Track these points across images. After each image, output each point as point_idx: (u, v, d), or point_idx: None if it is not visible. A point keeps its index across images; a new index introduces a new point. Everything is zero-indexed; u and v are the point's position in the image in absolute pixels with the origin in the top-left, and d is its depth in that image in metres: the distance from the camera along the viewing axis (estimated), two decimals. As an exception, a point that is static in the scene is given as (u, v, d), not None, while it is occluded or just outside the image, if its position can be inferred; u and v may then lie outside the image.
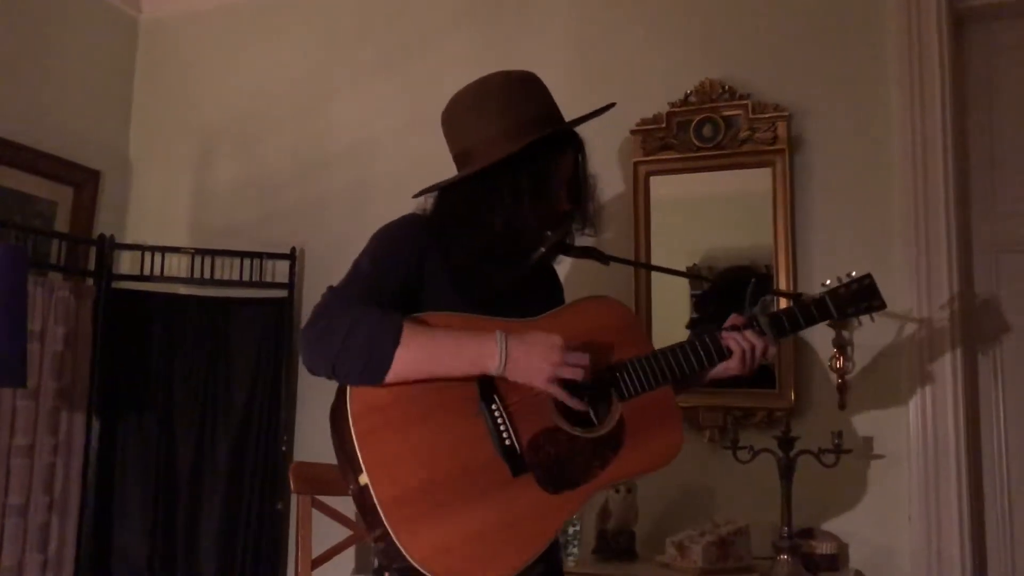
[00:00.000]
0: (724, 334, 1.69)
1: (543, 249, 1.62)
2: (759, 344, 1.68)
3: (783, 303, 2.43)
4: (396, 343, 1.41)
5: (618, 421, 1.59)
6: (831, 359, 2.52)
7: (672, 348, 1.66)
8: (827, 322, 1.80)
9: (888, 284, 2.51)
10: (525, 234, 1.60)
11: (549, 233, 1.61)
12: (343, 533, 2.59)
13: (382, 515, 1.39)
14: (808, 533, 2.42)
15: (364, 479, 1.41)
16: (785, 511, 2.29)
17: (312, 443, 3.14)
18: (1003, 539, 2.55)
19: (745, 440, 2.42)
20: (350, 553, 2.80)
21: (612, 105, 1.73)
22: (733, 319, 1.72)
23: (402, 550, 1.39)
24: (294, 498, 2.75)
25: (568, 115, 1.71)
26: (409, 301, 1.53)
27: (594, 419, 1.59)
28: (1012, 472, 2.56)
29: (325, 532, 2.57)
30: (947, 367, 2.46)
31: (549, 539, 1.49)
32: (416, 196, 1.69)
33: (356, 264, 1.57)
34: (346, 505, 2.85)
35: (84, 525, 2.96)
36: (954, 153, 2.55)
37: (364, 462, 1.41)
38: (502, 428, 1.49)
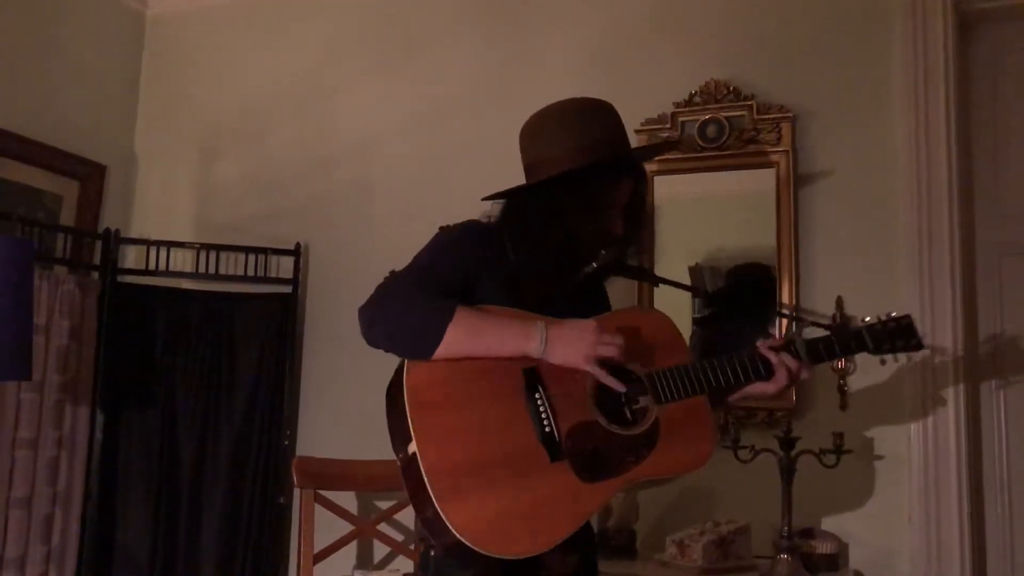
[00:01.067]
0: (762, 352, 1.74)
1: (595, 264, 1.72)
2: (794, 367, 1.73)
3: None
4: (450, 319, 1.53)
5: (653, 423, 1.66)
6: (832, 360, 2.53)
7: (711, 360, 1.72)
8: (872, 355, 1.81)
9: (891, 286, 2.54)
10: (580, 248, 1.70)
11: (604, 252, 1.72)
12: (345, 528, 2.60)
13: (427, 482, 1.49)
14: (808, 533, 2.43)
15: (413, 447, 1.51)
16: (785, 511, 2.30)
17: (315, 438, 3.16)
18: (1003, 540, 2.56)
19: (746, 440, 2.42)
20: (352, 547, 2.82)
21: (675, 145, 1.83)
22: (771, 340, 1.78)
23: (442, 516, 1.48)
24: (296, 492, 2.76)
25: (626, 134, 1.79)
26: (460, 298, 1.62)
27: (629, 416, 1.67)
28: (1012, 473, 2.57)
29: (327, 526, 2.58)
30: (948, 369, 2.46)
31: (579, 523, 1.58)
32: (486, 199, 1.79)
33: (417, 257, 1.68)
34: (348, 500, 2.87)
35: (87, 517, 2.98)
36: (958, 155, 2.55)
37: (415, 432, 1.51)
38: (543, 416, 1.58)
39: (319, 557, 2.53)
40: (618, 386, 1.62)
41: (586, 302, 1.79)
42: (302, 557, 2.51)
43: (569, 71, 2.98)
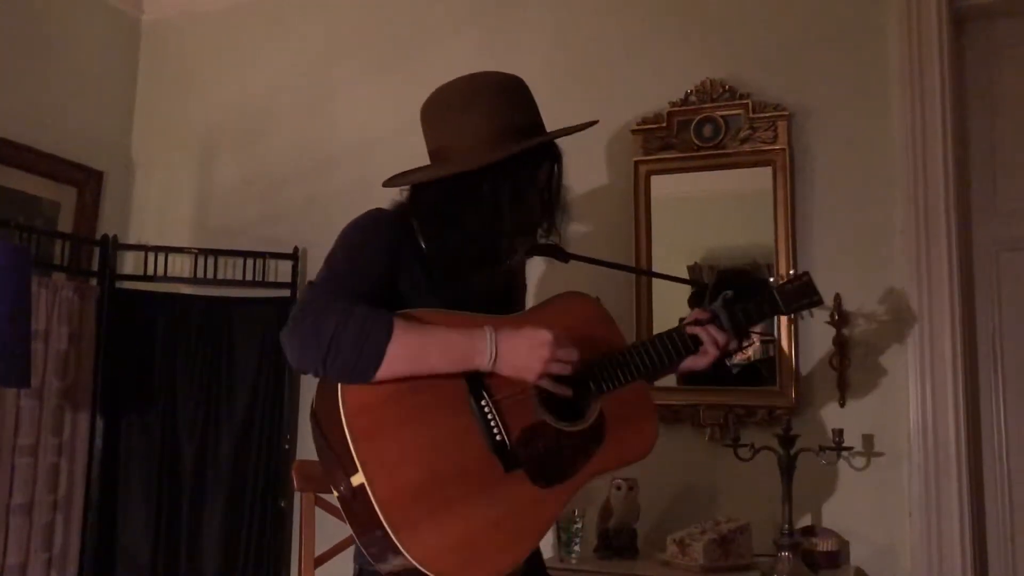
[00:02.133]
0: (689, 328, 1.74)
1: (518, 255, 1.66)
2: (721, 337, 1.73)
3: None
4: (388, 338, 1.40)
5: (598, 415, 1.62)
6: (831, 357, 2.54)
7: (644, 343, 1.71)
8: (784, 315, 1.91)
9: (889, 282, 2.55)
10: (501, 241, 1.62)
11: (523, 239, 1.65)
12: (346, 531, 2.58)
13: (380, 515, 1.36)
14: (809, 530, 2.43)
15: (359, 479, 1.38)
16: (786, 508, 2.30)
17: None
18: (1003, 536, 2.56)
19: (746, 438, 2.42)
20: (352, 551, 2.81)
21: (595, 123, 1.74)
22: (696, 313, 1.77)
23: (402, 550, 1.37)
24: (297, 496, 2.76)
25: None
26: (385, 295, 1.52)
27: (577, 413, 1.62)
28: (1012, 469, 2.57)
29: (328, 530, 2.57)
30: (947, 365, 2.47)
31: (543, 533, 1.52)
32: (387, 185, 1.69)
33: (330, 261, 1.55)
34: (349, 503, 2.87)
35: (88, 524, 2.98)
36: (954, 151, 2.55)
37: (360, 462, 1.38)
38: (492, 424, 1.50)
39: (320, 560, 2.52)
40: (566, 392, 1.56)
41: (507, 288, 1.74)
42: (303, 561, 2.50)
43: (565, 70, 2.98)
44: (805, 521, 2.46)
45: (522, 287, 1.87)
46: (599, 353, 1.66)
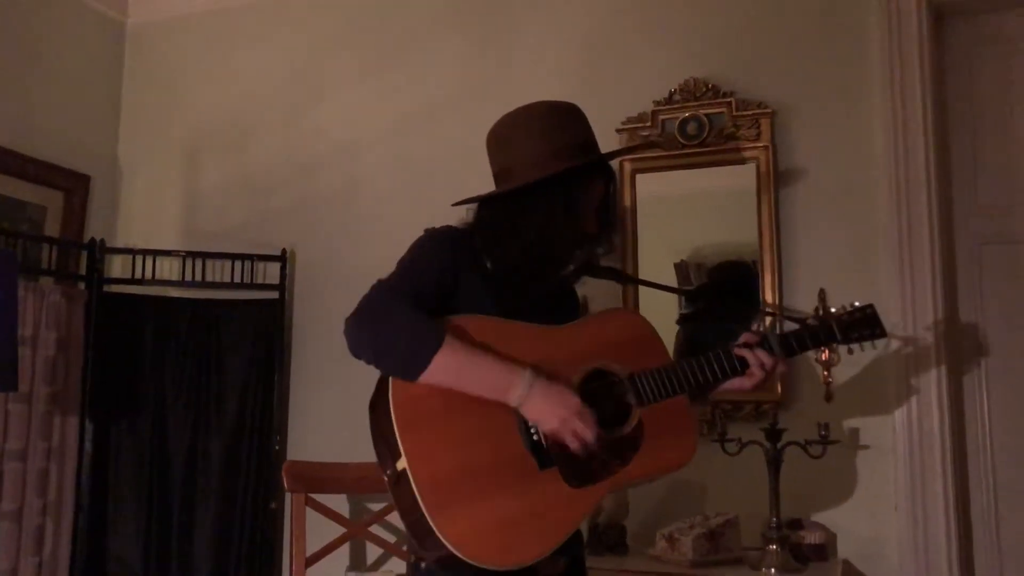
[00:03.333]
0: (737, 350, 1.77)
1: (572, 266, 1.75)
2: (769, 362, 1.76)
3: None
4: (435, 351, 1.52)
5: (637, 424, 1.68)
6: (817, 352, 2.55)
7: (689, 360, 1.75)
8: (840, 345, 1.87)
9: (872, 278, 2.57)
10: (555, 251, 1.71)
11: (578, 252, 1.75)
12: (337, 531, 2.61)
13: (419, 498, 1.48)
14: (797, 524, 2.45)
15: (403, 464, 1.50)
16: (773, 502, 2.32)
17: (305, 442, 3.16)
18: (989, 527, 2.59)
19: (733, 433, 2.44)
20: (344, 550, 2.82)
21: (643, 145, 1.84)
22: (746, 337, 1.80)
23: (436, 532, 1.47)
24: (288, 497, 2.77)
25: (595, 136, 1.80)
26: (444, 303, 1.63)
27: (618, 420, 1.68)
28: (997, 460, 2.60)
29: (319, 530, 2.59)
30: (931, 358, 2.49)
31: (571, 530, 1.60)
32: (455, 205, 1.80)
33: (400, 264, 1.67)
34: (340, 503, 2.88)
35: (78, 528, 2.98)
36: (936, 146, 2.58)
37: (404, 449, 1.50)
38: (531, 424, 1.59)
39: (311, 560, 2.54)
40: (581, 452, 1.60)
41: (561, 305, 1.81)
42: (295, 561, 2.52)
43: (551, 71, 3.00)
44: (792, 514, 2.48)
45: (576, 303, 1.93)
46: (641, 367, 1.71)
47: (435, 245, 1.69)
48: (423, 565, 1.64)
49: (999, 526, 2.58)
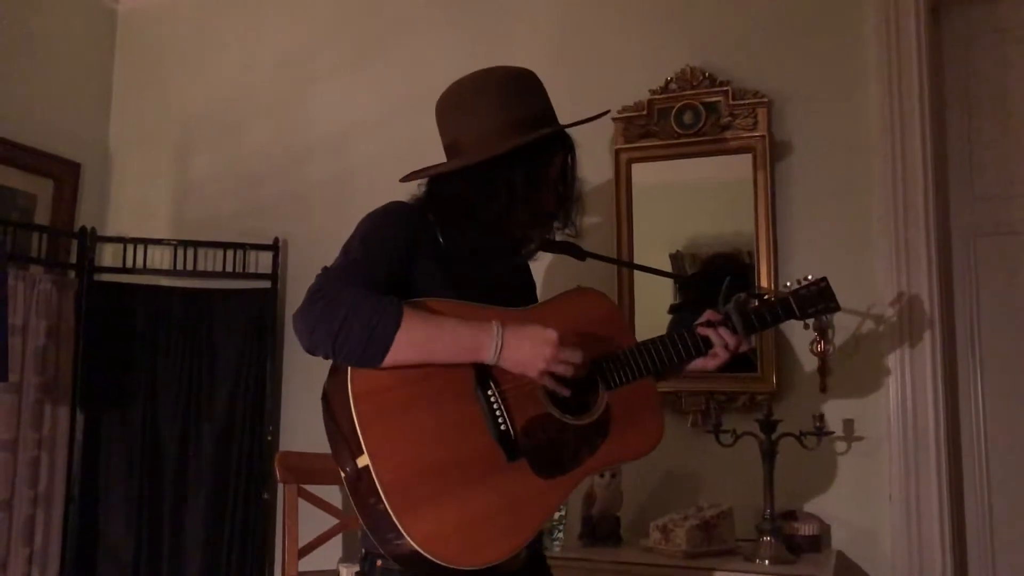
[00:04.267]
0: (700, 329, 1.75)
1: (533, 245, 1.67)
2: (732, 340, 1.74)
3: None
4: (397, 326, 1.43)
5: (604, 409, 1.63)
6: (812, 343, 2.55)
7: (654, 341, 1.72)
8: (798, 320, 1.86)
9: (868, 268, 2.56)
10: (515, 229, 1.64)
11: (538, 230, 1.67)
12: (330, 522, 2.59)
13: (383, 497, 1.39)
14: (791, 515, 2.45)
15: (364, 461, 1.41)
16: (768, 493, 2.31)
17: (297, 432, 3.15)
18: (982, 517, 2.59)
19: (728, 424, 2.44)
20: (337, 541, 2.81)
21: (606, 112, 1.78)
22: (708, 315, 1.77)
23: (403, 532, 1.39)
24: (280, 488, 2.75)
25: (552, 106, 1.73)
26: (398, 285, 1.54)
27: (584, 407, 1.63)
28: (991, 451, 2.60)
29: (312, 521, 2.57)
30: (926, 348, 2.49)
31: (542, 523, 1.53)
32: (404, 180, 1.71)
33: (347, 248, 1.57)
34: (332, 494, 2.86)
35: (69, 518, 2.96)
36: (932, 137, 2.57)
37: (365, 444, 1.41)
38: (498, 414, 1.52)
39: (304, 551, 2.52)
40: (565, 392, 1.57)
41: (519, 285, 1.76)
42: (287, 552, 2.50)
43: (545, 59, 2.96)
44: (787, 506, 2.47)
45: (531, 282, 1.88)
46: (607, 349, 1.67)
47: (386, 222, 1.59)
48: (378, 564, 1.57)
49: (992, 517, 2.58)
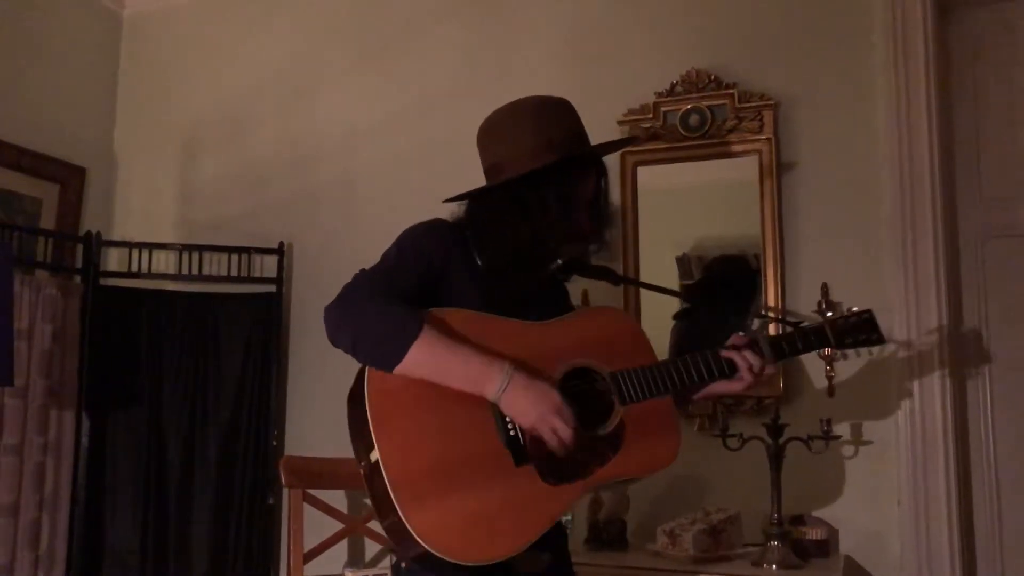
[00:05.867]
0: (725, 352, 1.74)
1: (560, 261, 1.70)
2: (757, 365, 1.73)
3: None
4: (413, 341, 1.50)
5: (618, 424, 1.65)
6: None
7: (675, 360, 1.72)
8: (835, 350, 1.87)
9: (875, 271, 2.55)
10: (547, 246, 1.68)
11: (568, 248, 1.71)
12: (335, 526, 2.59)
13: (390, 490, 1.46)
14: (799, 519, 2.44)
15: (375, 455, 1.48)
16: (775, 498, 2.30)
17: (302, 437, 3.14)
18: (991, 522, 2.57)
19: (735, 428, 2.43)
20: (342, 546, 2.81)
21: (636, 138, 1.83)
22: (735, 339, 1.77)
23: (406, 524, 1.45)
24: (285, 492, 2.75)
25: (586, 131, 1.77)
26: (428, 296, 1.61)
27: (599, 420, 1.65)
28: (999, 456, 2.59)
29: (317, 525, 2.57)
30: (934, 352, 2.47)
31: (545, 527, 1.55)
32: (446, 201, 1.78)
33: (385, 255, 1.65)
34: (337, 498, 2.86)
35: (75, 522, 2.96)
36: (940, 139, 2.56)
37: (377, 440, 1.49)
38: (508, 420, 1.56)
39: (309, 556, 2.52)
40: (560, 451, 1.56)
41: (551, 302, 1.78)
42: (292, 557, 2.50)
43: (552, 62, 2.97)
44: (794, 510, 2.46)
45: (566, 300, 1.90)
46: (625, 366, 1.68)
47: (424, 236, 1.67)
48: (403, 565, 1.62)
49: (1001, 521, 2.57)
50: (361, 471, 1.54)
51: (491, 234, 1.67)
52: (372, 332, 1.51)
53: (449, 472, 1.50)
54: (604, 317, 1.79)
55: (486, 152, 1.76)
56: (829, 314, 1.87)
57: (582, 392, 1.64)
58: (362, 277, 1.60)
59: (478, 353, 1.55)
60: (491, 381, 1.53)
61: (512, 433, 1.55)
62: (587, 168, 1.73)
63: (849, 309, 1.84)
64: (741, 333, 1.79)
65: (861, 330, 1.81)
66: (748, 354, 1.73)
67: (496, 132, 1.74)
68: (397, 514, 1.46)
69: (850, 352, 1.84)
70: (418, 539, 1.45)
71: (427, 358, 1.51)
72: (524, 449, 1.56)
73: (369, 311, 1.52)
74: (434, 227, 1.69)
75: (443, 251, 1.65)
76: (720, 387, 1.78)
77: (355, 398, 1.56)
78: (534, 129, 1.69)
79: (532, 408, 1.53)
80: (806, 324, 1.84)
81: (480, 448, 1.54)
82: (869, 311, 1.83)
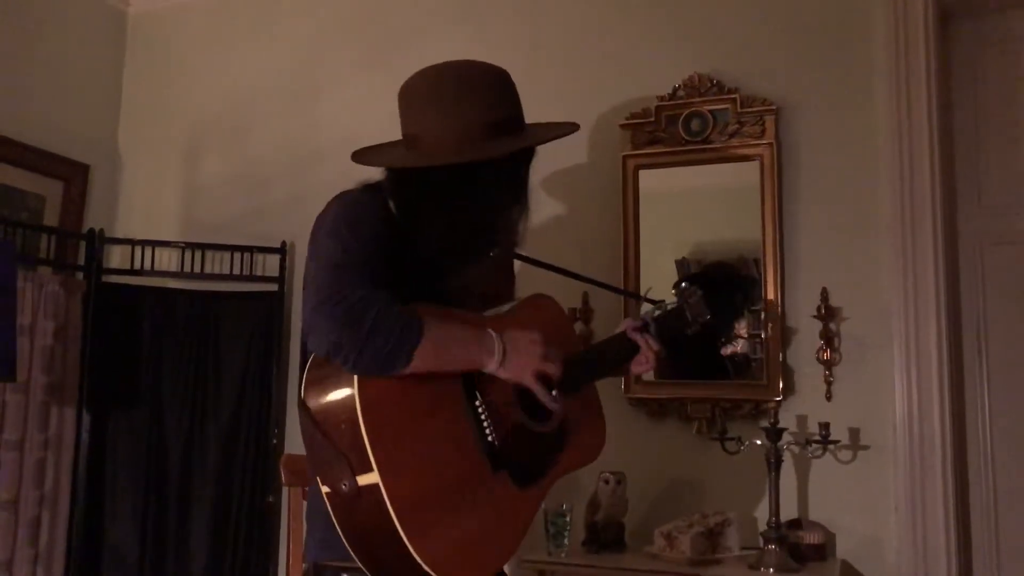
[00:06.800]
0: (630, 334, 1.81)
1: (497, 249, 1.68)
2: (656, 345, 1.80)
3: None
4: (420, 336, 1.39)
5: (564, 415, 1.66)
6: (818, 351, 2.55)
7: (598, 346, 1.80)
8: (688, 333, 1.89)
9: (875, 276, 2.56)
10: (487, 235, 1.63)
11: (502, 236, 1.68)
12: (334, 526, 2.60)
13: (395, 518, 1.32)
14: (796, 523, 2.44)
15: (371, 479, 1.33)
16: (772, 501, 2.31)
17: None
18: (988, 527, 2.58)
19: (733, 431, 2.44)
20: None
21: (576, 127, 1.74)
22: (628, 323, 1.84)
23: (413, 554, 1.33)
24: (285, 490, 2.75)
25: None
26: (391, 280, 1.49)
27: (542, 415, 1.64)
28: (996, 461, 2.59)
29: (316, 525, 2.57)
30: (932, 358, 2.48)
31: (524, 533, 1.53)
32: (358, 162, 1.69)
33: (340, 239, 1.49)
34: (337, 498, 2.86)
35: (75, 519, 2.97)
36: (940, 146, 2.56)
37: (376, 460, 1.33)
38: (486, 425, 1.52)
39: (308, 555, 2.52)
40: (552, 402, 1.58)
41: (490, 287, 1.73)
42: (292, 555, 2.50)
43: (554, 65, 2.98)
44: (791, 514, 2.47)
45: (511, 282, 1.88)
46: (561, 352, 1.66)
47: (369, 216, 1.54)
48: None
49: (998, 527, 2.57)
50: (328, 493, 1.38)
51: (426, 219, 1.55)
52: (378, 335, 1.35)
53: (445, 492, 1.41)
54: (541, 307, 1.78)
55: (410, 117, 1.63)
56: (673, 291, 1.89)
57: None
58: (338, 275, 1.42)
59: (468, 331, 1.50)
60: (488, 352, 1.50)
61: (490, 439, 1.52)
62: (532, 155, 1.67)
63: (673, 288, 1.88)
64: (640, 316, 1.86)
65: (700, 311, 1.84)
66: (649, 337, 1.80)
67: (425, 99, 1.61)
68: (403, 546, 1.32)
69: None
70: (428, 570, 1.34)
71: (433, 349, 1.41)
72: (499, 454, 1.51)
73: (367, 319, 1.36)
74: (373, 202, 1.58)
75: (387, 231, 1.53)
76: (633, 368, 1.84)
77: (327, 408, 1.41)
78: (472, 104, 1.57)
79: (529, 358, 1.53)
80: (670, 305, 1.86)
81: (464, 460, 1.47)
82: (695, 289, 1.85)
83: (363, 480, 1.34)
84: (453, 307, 1.56)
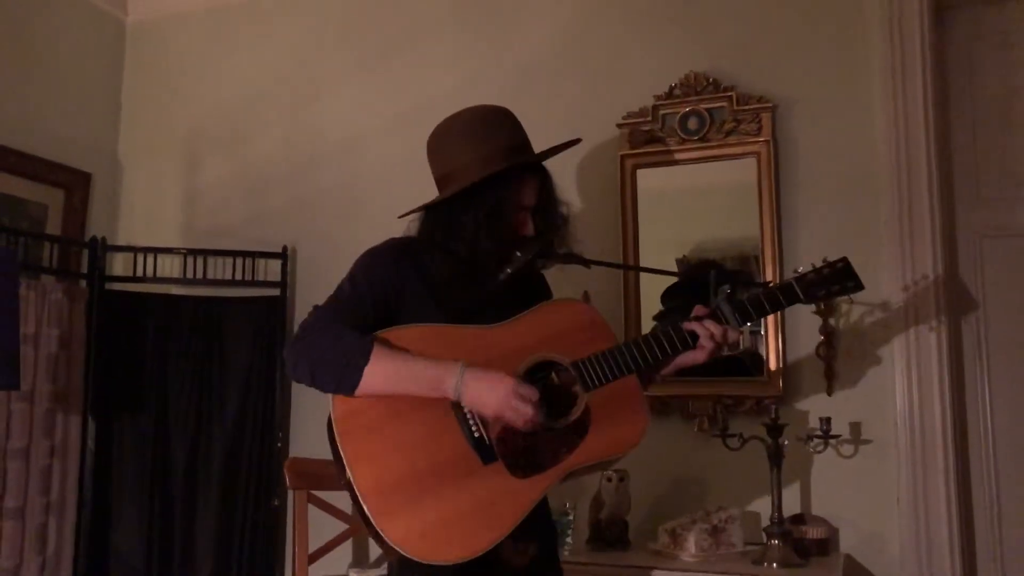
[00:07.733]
0: (686, 324, 1.79)
1: (509, 270, 1.75)
2: (718, 332, 1.77)
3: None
4: (365, 363, 1.59)
5: (584, 411, 1.70)
6: (818, 346, 2.56)
7: (635, 340, 1.77)
8: (806, 304, 1.87)
9: (874, 271, 2.56)
10: (493, 255, 1.73)
11: (519, 254, 1.75)
12: (339, 527, 2.61)
13: (363, 504, 1.56)
14: (799, 519, 2.45)
15: (349, 474, 1.58)
16: (775, 497, 2.32)
17: (307, 439, 3.16)
18: (990, 520, 2.59)
19: (735, 428, 2.44)
20: (347, 547, 2.83)
21: (577, 141, 1.91)
22: (697, 310, 1.82)
23: (381, 534, 1.55)
24: (290, 494, 2.77)
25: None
26: (386, 318, 1.69)
27: (564, 409, 1.70)
28: (998, 454, 2.60)
29: (322, 527, 2.59)
30: (933, 352, 2.49)
31: (519, 518, 1.61)
32: (401, 217, 1.86)
33: (340, 286, 1.73)
34: (342, 500, 2.87)
35: (81, 526, 2.98)
36: (937, 140, 2.57)
37: (346, 458, 1.59)
38: (471, 422, 1.63)
39: (314, 557, 2.54)
40: (527, 427, 1.63)
41: (522, 297, 1.80)
42: (297, 558, 2.52)
43: (551, 66, 2.99)
44: (794, 509, 2.48)
45: (542, 292, 1.96)
46: (586, 353, 1.72)
47: (374, 262, 1.74)
48: (396, 567, 1.72)
49: (1001, 519, 2.58)
50: (344, 488, 1.62)
51: (436, 246, 1.75)
52: (326, 362, 1.60)
53: (419, 479, 1.59)
54: (562, 310, 1.82)
55: (434, 165, 1.84)
56: (799, 269, 1.86)
57: (546, 384, 1.70)
58: (315, 314, 1.68)
59: (429, 360, 1.62)
60: (447, 379, 1.60)
61: (477, 435, 1.63)
62: (525, 175, 1.77)
63: (824, 260, 1.85)
64: (706, 304, 1.83)
65: (834, 279, 1.84)
66: (708, 323, 1.78)
67: (439, 145, 1.81)
68: (372, 524, 1.56)
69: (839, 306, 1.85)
70: (396, 548, 1.54)
71: (380, 376, 1.59)
72: (490, 447, 1.63)
73: (321, 343, 1.61)
74: (381, 251, 1.76)
75: (393, 273, 1.72)
76: (686, 358, 1.81)
77: (328, 423, 1.64)
78: (474, 141, 1.76)
79: (490, 395, 1.60)
80: (772, 283, 1.86)
81: (447, 453, 1.61)
82: (844, 259, 1.85)
83: (347, 475, 1.59)
84: (470, 319, 1.70)
